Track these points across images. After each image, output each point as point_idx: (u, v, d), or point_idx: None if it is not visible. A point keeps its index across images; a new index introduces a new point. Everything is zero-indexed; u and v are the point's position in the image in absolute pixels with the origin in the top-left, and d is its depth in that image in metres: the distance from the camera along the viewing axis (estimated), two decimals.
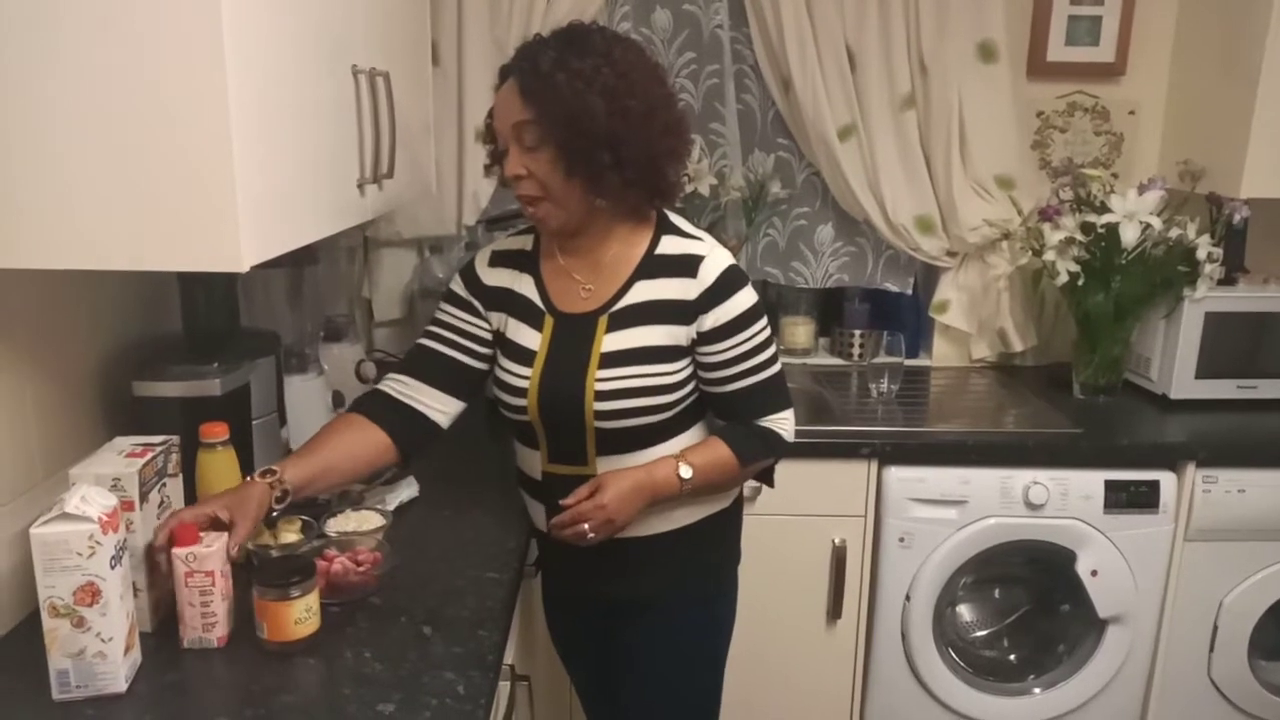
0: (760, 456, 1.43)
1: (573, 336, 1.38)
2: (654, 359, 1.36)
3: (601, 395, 1.35)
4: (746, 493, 1.59)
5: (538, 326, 1.41)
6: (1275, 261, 2.31)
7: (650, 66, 1.36)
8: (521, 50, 1.34)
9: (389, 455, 1.42)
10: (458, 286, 1.48)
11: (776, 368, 1.43)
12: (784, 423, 1.44)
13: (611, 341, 1.36)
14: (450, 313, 1.47)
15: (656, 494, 1.36)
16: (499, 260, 1.48)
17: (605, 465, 1.39)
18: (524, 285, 1.44)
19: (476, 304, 1.46)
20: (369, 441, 1.39)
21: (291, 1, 1.19)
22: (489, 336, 1.46)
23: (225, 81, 1.01)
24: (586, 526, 1.34)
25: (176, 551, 1.14)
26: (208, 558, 1.14)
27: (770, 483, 1.56)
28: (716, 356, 1.38)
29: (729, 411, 1.43)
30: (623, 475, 1.35)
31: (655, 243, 1.40)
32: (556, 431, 1.40)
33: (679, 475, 1.36)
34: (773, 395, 1.43)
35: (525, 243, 1.48)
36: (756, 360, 1.40)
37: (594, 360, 1.36)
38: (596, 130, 1.28)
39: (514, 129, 1.31)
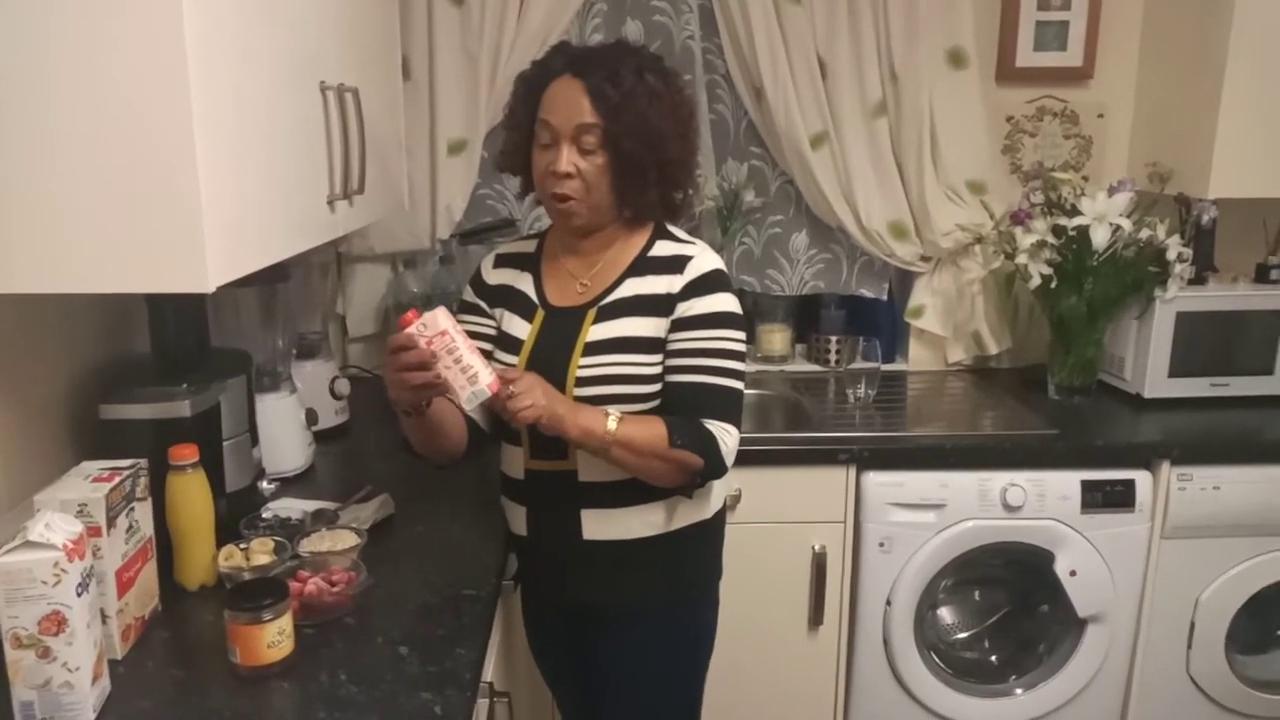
0: (689, 448, 1.34)
1: (561, 328, 1.43)
2: (635, 349, 1.40)
3: (582, 381, 1.38)
4: (725, 501, 1.59)
5: (529, 318, 1.47)
6: (1244, 260, 2.34)
7: (691, 96, 1.46)
8: (589, 54, 1.40)
9: (464, 443, 1.48)
10: (467, 293, 1.56)
11: (735, 384, 1.41)
12: (726, 434, 1.38)
13: (596, 332, 1.41)
14: (465, 320, 1.52)
15: (578, 419, 1.31)
16: (503, 261, 1.55)
17: (586, 459, 1.39)
18: (523, 282, 1.50)
19: (482, 304, 1.53)
20: (461, 420, 1.46)
21: (257, 19, 1.19)
22: (496, 334, 1.50)
23: (189, 100, 1.00)
24: (523, 393, 1.27)
25: (408, 330, 1.23)
26: (435, 319, 1.23)
27: (688, 493, 1.43)
28: (679, 344, 1.40)
29: (677, 405, 1.39)
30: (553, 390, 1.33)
31: (650, 246, 1.46)
32: None
33: (606, 419, 1.32)
34: (722, 403, 1.39)
35: (529, 245, 1.56)
36: (717, 363, 1.39)
37: (578, 349, 1.40)
38: (658, 150, 1.36)
39: (577, 129, 1.35)
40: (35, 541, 0.99)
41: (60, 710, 1.02)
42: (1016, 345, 2.48)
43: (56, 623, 1.00)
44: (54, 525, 1.01)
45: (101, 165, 1.02)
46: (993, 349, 2.46)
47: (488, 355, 1.49)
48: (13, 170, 1.01)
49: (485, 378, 1.25)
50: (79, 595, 1.01)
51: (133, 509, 1.20)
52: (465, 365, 1.24)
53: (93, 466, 1.19)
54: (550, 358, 1.41)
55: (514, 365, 1.44)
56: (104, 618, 1.12)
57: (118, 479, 1.16)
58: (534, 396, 1.28)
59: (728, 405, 1.40)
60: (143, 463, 1.23)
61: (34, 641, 1.00)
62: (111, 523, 1.13)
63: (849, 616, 2.08)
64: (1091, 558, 2.00)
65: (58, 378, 1.40)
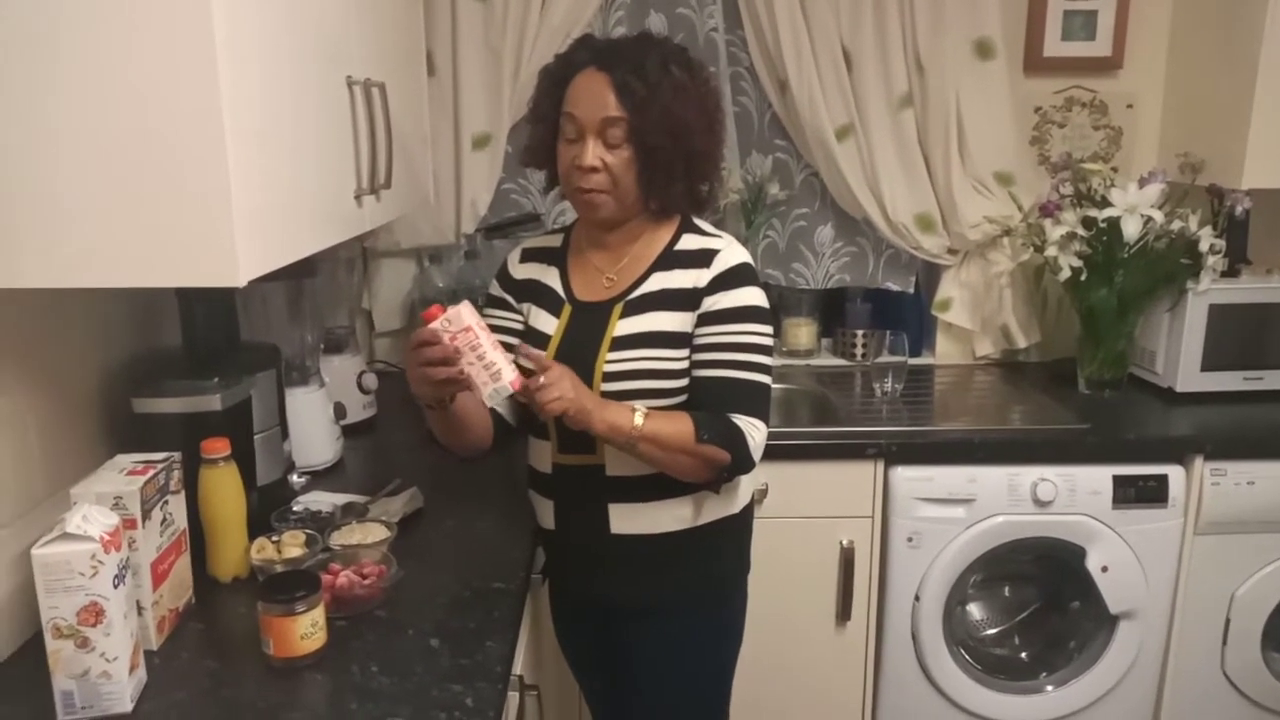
0: (717, 443, 1.34)
1: (589, 323, 1.42)
2: (663, 344, 1.39)
3: (609, 376, 1.38)
4: (753, 496, 1.58)
5: (556, 313, 1.46)
6: (1278, 252, 2.30)
7: (717, 88, 1.44)
8: (614, 47, 1.38)
9: (490, 436, 1.49)
10: (493, 288, 1.56)
11: (763, 378, 1.40)
12: (754, 429, 1.37)
13: (624, 327, 1.40)
14: (491, 314, 1.52)
15: (605, 414, 1.31)
16: (529, 256, 1.55)
17: (614, 454, 1.39)
18: (550, 277, 1.50)
19: (509, 299, 1.53)
20: (486, 414, 1.47)
21: (285, 14, 1.19)
22: (523, 328, 1.50)
23: (219, 95, 1.00)
24: (553, 384, 1.27)
25: (432, 326, 1.23)
26: (459, 315, 1.24)
27: (716, 488, 1.43)
28: (706, 339, 1.39)
29: (704, 400, 1.39)
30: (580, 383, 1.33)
31: (676, 239, 1.45)
32: None
33: (632, 414, 1.31)
34: (749, 397, 1.38)
35: (555, 240, 1.55)
36: (745, 357, 1.38)
37: (605, 344, 1.39)
38: (685, 143, 1.35)
39: (602, 123, 1.34)
40: (73, 533, 1.00)
41: (99, 700, 1.03)
42: (1045, 339, 2.45)
43: (94, 614, 1.01)
44: (90, 517, 1.02)
45: (132, 161, 1.02)
46: (1021, 342, 2.44)
47: (512, 350, 1.49)
48: (45, 165, 1.02)
49: (508, 375, 1.25)
50: (116, 587, 1.02)
51: (167, 502, 1.21)
52: (489, 362, 1.24)
53: (127, 460, 1.20)
54: (578, 353, 1.41)
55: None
56: (139, 609, 1.13)
57: (152, 472, 1.17)
58: (562, 388, 1.27)
59: (755, 400, 1.39)
60: (176, 456, 1.24)
61: (73, 632, 1.01)
62: (146, 515, 1.14)
63: (877, 612, 2.07)
64: (1124, 554, 1.98)
65: (91, 371, 1.41)
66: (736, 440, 1.36)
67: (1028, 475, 1.96)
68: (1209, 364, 2.16)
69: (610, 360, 1.39)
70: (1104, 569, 1.98)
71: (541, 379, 1.27)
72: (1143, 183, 2.10)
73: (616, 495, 1.43)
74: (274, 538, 1.36)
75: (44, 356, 1.30)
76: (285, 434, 1.59)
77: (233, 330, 1.56)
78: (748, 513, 1.54)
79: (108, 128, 1.01)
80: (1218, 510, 1.99)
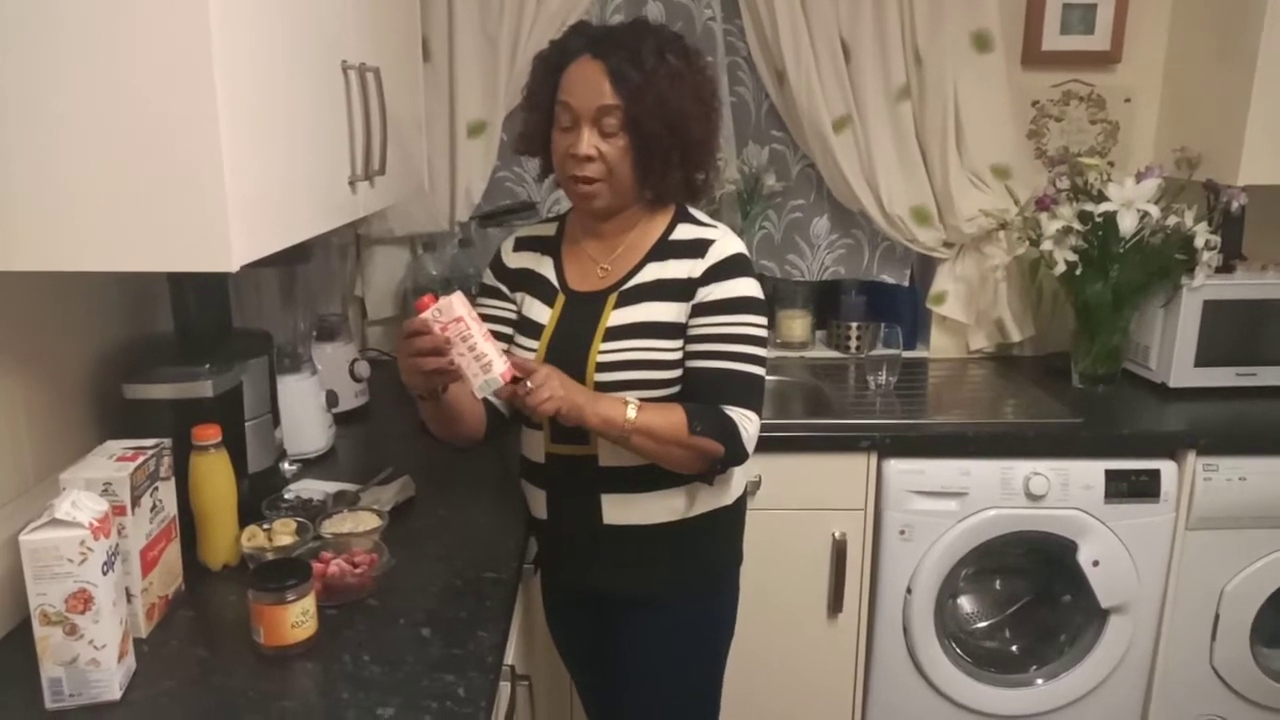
0: (710, 435, 1.33)
1: (582, 312, 1.42)
2: (656, 334, 1.38)
3: (603, 367, 1.37)
4: (746, 487, 1.58)
5: (549, 303, 1.46)
6: (1273, 248, 2.30)
7: (713, 76, 1.43)
8: (609, 34, 1.37)
9: (482, 427, 1.48)
10: (487, 277, 1.55)
11: (756, 369, 1.40)
12: (747, 421, 1.37)
13: (618, 317, 1.40)
14: (484, 303, 1.51)
15: (598, 408, 1.30)
16: (523, 245, 1.54)
17: (607, 444, 1.38)
18: (544, 266, 1.49)
19: (503, 288, 1.52)
20: (479, 405, 1.45)
21: None
22: (516, 318, 1.49)
23: (213, 80, 0.99)
24: (541, 386, 1.27)
25: (423, 315, 1.22)
26: (450, 305, 1.22)
27: (709, 480, 1.42)
28: (700, 330, 1.38)
29: (697, 391, 1.38)
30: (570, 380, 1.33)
31: (671, 229, 1.44)
32: None
33: (625, 407, 1.31)
34: (742, 389, 1.38)
35: (549, 229, 1.54)
36: (738, 349, 1.38)
37: (599, 334, 1.39)
38: (681, 132, 1.34)
39: (598, 111, 1.33)
40: (62, 519, 0.99)
41: (87, 687, 1.03)
42: (1040, 333, 2.46)
43: (83, 600, 1.00)
44: (80, 503, 1.01)
45: (127, 145, 1.01)
46: (1015, 336, 2.44)
47: (507, 340, 1.48)
48: (38, 148, 1.01)
49: (499, 366, 1.24)
50: (105, 573, 1.01)
51: (156, 488, 1.20)
52: (479, 353, 1.23)
53: (117, 446, 1.19)
54: (571, 343, 1.40)
55: (534, 350, 1.43)
56: (129, 596, 1.12)
57: (142, 458, 1.16)
58: (552, 388, 1.27)
59: (749, 391, 1.39)
60: (166, 442, 1.23)
61: (61, 619, 1.00)
62: (136, 502, 1.14)
63: (869, 604, 2.07)
64: (1115, 548, 1.98)
65: (83, 357, 1.40)
66: (729, 432, 1.36)
67: (1020, 469, 1.96)
68: (1202, 359, 2.16)
69: (604, 350, 1.38)
70: (1095, 563, 1.99)
71: (528, 383, 1.26)
72: (1139, 177, 2.10)
73: (609, 486, 1.43)
74: (265, 525, 1.35)
75: (35, 342, 1.29)
76: (277, 421, 1.58)
77: (224, 316, 1.55)
78: (740, 504, 1.54)
79: (103, 112, 1.00)
80: (1209, 505, 1.99)
